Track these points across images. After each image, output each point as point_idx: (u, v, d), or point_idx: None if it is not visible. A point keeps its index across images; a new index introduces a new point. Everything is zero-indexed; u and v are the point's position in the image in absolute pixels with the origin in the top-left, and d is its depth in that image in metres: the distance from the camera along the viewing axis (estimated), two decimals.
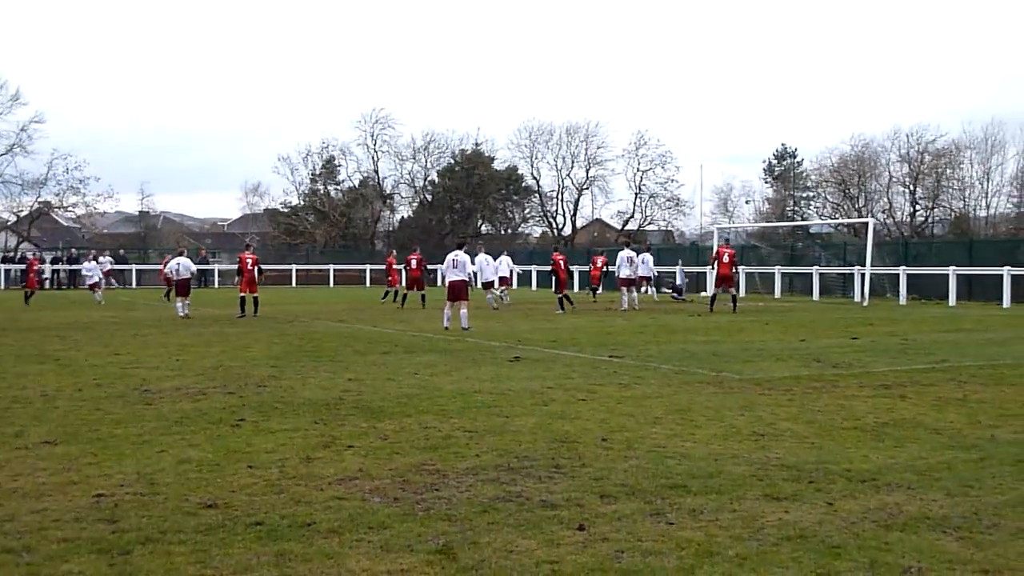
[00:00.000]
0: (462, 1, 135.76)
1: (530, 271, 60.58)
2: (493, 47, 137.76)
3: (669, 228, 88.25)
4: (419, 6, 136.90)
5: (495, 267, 38.79)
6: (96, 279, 43.24)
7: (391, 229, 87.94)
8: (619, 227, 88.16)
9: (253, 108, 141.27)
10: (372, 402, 12.62)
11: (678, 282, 46.22)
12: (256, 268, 31.61)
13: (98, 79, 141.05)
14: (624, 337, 22.72)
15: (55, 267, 65.35)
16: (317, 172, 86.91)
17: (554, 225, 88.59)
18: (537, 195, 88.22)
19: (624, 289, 35.93)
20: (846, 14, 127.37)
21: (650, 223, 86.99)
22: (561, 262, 35.10)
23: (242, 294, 31.19)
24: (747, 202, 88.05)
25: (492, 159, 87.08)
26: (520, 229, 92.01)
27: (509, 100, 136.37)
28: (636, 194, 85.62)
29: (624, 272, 36.17)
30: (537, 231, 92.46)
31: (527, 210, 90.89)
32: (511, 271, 44.76)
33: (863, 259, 41.65)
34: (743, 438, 10.21)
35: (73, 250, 68.85)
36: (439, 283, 27.66)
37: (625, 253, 37.00)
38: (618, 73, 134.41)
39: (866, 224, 45.53)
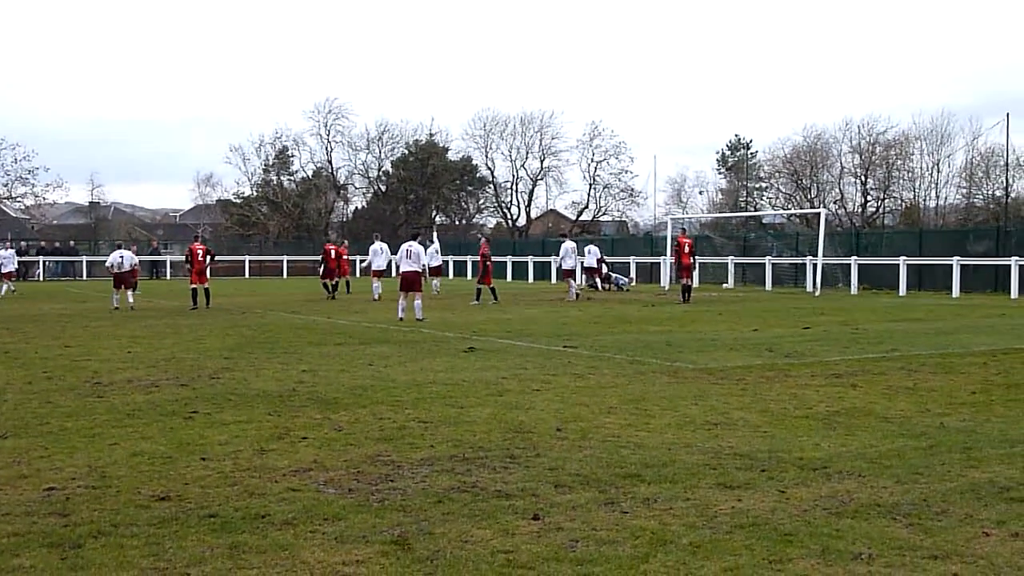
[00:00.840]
0: None
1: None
2: (447, 37, 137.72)
3: (623, 219, 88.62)
4: None
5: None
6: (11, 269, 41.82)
7: (345, 220, 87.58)
8: (573, 218, 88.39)
9: (205, 98, 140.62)
10: (326, 393, 12.58)
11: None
12: (209, 258, 31.47)
13: (48, 68, 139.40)
14: (578, 327, 22.78)
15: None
16: (270, 163, 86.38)
17: (508, 216, 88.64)
18: (491, 186, 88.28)
19: (570, 280, 36.47)
20: (799, 6, 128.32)
21: (604, 214, 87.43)
22: (487, 251, 34.81)
23: (193, 285, 31.00)
24: (700, 193, 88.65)
25: (446, 149, 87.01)
26: (475, 220, 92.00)
27: (463, 90, 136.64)
28: (590, 185, 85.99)
29: (568, 263, 36.70)
30: (492, 222, 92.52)
31: (482, 201, 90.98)
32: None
33: (815, 249, 41.97)
34: (697, 427, 10.27)
35: (22, 243, 68.04)
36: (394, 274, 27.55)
37: (568, 244, 37.44)
38: (573, 63, 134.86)
39: (818, 215, 45.85)
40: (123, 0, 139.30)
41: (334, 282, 37.54)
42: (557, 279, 37.63)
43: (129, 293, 31.60)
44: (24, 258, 63.43)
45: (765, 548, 6.25)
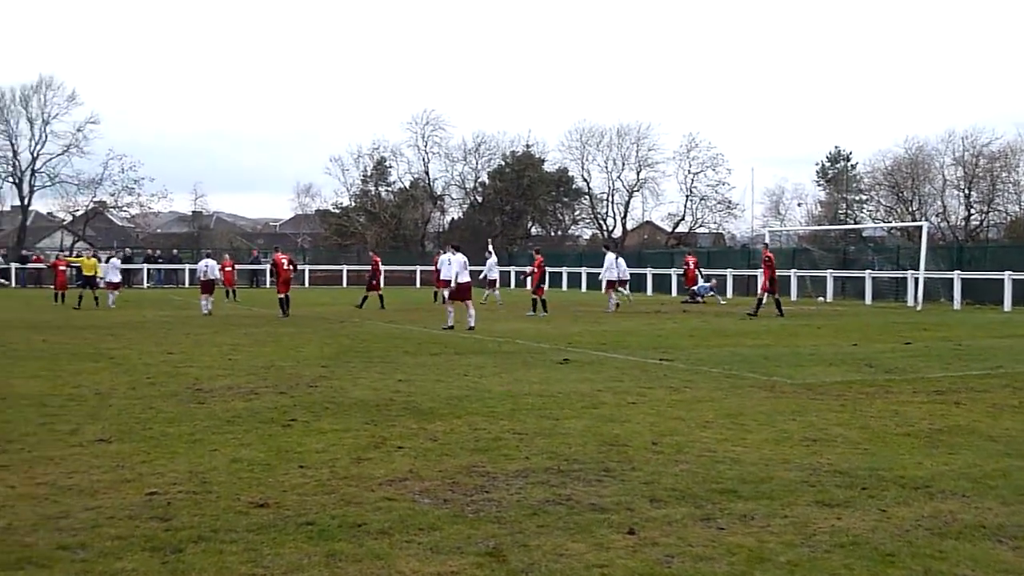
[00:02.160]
0: (514, 3, 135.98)
1: (579, 273, 60.34)
2: (544, 49, 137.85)
3: (720, 231, 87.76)
4: (471, 8, 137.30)
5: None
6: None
7: (441, 230, 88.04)
8: (669, 229, 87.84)
9: (305, 109, 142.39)
10: (422, 403, 12.66)
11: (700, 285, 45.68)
12: (292, 267, 32.25)
13: (153, 80, 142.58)
14: (674, 340, 22.63)
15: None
16: (368, 173, 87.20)
17: (604, 227, 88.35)
18: (587, 197, 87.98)
19: (612, 292, 36.57)
20: (900, 15, 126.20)
21: (701, 225, 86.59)
22: (540, 262, 34.77)
23: (281, 294, 31.77)
24: (799, 205, 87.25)
25: (542, 161, 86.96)
26: (570, 231, 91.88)
27: (560, 102, 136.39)
28: (687, 196, 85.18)
29: (611, 275, 36.92)
30: (587, 233, 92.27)
31: (577, 212, 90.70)
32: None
33: (917, 263, 41.20)
34: (794, 443, 10.13)
35: (127, 250, 69.63)
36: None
37: (610, 256, 37.57)
38: (669, 75, 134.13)
39: (920, 228, 44.99)
40: (230, 15, 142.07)
41: (379, 294, 37.52)
42: (603, 290, 37.82)
43: (208, 299, 33.14)
44: (129, 266, 65.01)
45: (865, 568, 6.14)
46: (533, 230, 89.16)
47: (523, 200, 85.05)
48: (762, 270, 33.23)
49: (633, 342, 21.97)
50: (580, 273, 60.14)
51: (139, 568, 6.10)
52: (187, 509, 7.41)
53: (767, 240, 43.97)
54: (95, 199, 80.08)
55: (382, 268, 40.52)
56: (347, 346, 20.69)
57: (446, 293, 38.72)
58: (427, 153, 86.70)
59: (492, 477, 8.50)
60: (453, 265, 26.76)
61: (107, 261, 43.11)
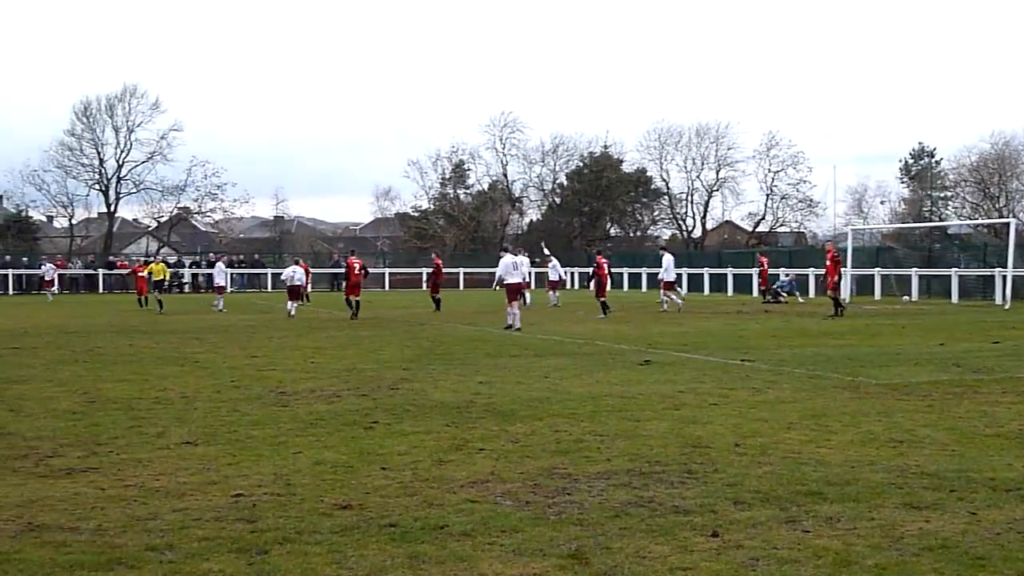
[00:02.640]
0: (591, 4, 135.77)
1: (658, 274, 59.92)
2: (622, 48, 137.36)
3: (801, 230, 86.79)
4: (548, 9, 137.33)
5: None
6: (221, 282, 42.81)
7: (520, 232, 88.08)
8: (750, 229, 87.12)
9: (383, 113, 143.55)
10: (503, 405, 12.68)
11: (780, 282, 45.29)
12: (364, 272, 32.62)
13: (234, 86, 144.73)
14: (756, 340, 22.42)
15: (192, 271, 67.11)
16: (446, 176, 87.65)
17: (683, 227, 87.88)
18: (666, 197, 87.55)
19: (669, 291, 36.71)
20: (984, 9, 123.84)
21: (781, 225, 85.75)
22: (605, 265, 34.64)
23: (353, 298, 32.18)
24: (882, 202, 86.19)
25: (621, 161, 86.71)
26: (649, 232, 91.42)
27: (637, 102, 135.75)
28: (767, 195, 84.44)
29: (669, 276, 37.14)
30: (666, 233, 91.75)
31: (656, 212, 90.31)
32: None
33: (1004, 260, 40.36)
34: (881, 444, 9.97)
35: (211, 255, 70.65)
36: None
37: (668, 256, 37.62)
38: (748, 72, 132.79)
39: (1007, 224, 44.08)
40: (307, 20, 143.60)
41: (438, 297, 37.17)
42: (663, 290, 37.90)
43: (293, 304, 33.96)
44: (211, 270, 65.89)
45: (955, 572, 6.03)
46: (612, 231, 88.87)
47: (601, 201, 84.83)
48: (827, 268, 32.59)
49: (714, 343, 21.80)
50: (659, 274, 59.70)
51: (226, 569, 6.18)
52: (272, 511, 7.49)
53: (851, 236, 43.39)
54: (179, 205, 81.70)
55: (443, 271, 40.58)
56: (427, 348, 20.80)
57: (528, 296, 39.11)
58: (505, 155, 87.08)
59: (574, 479, 8.49)
60: (502, 266, 27.43)
61: (212, 266, 43.99)
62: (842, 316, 30.74)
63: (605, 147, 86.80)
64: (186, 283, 65.11)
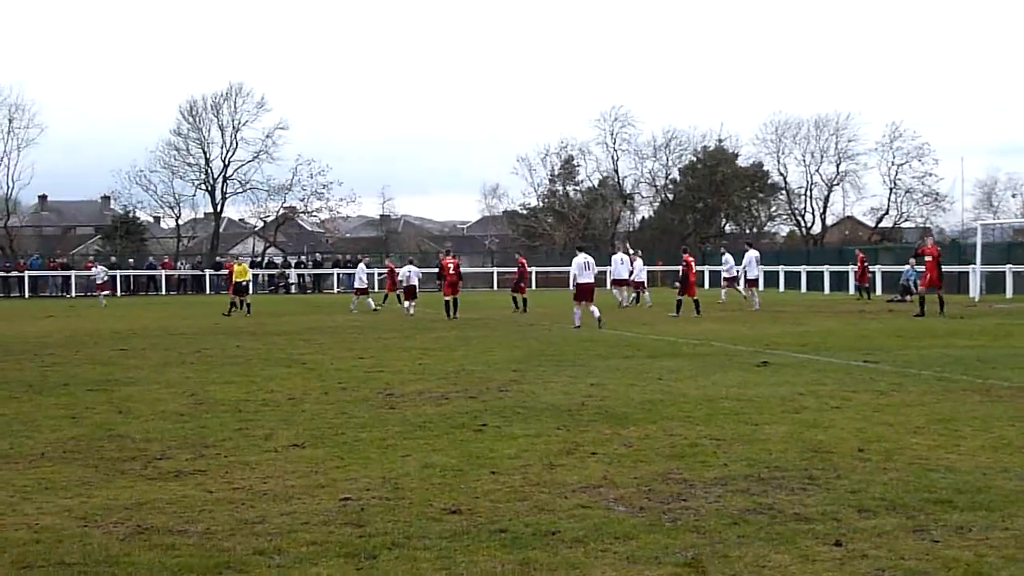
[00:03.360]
0: None
1: (777, 271, 59.01)
2: (736, 39, 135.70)
3: (927, 225, 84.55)
4: (658, 2, 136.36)
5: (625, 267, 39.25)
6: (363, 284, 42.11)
7: (631, 229, 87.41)
8: (872, 225, 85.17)
9: (491, 109, 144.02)
10: (615, 408, 12.46)
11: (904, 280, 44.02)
12: (457, 272, 33.06)
13: (339, 85, 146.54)
14: (880, 341, 21.81)
15: (300, 271, 67.96)
16: (556, 172, 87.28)
17: (802, 223, 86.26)
18: (784, 192, 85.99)
19: (753, 290, 37.04)
20: None
21: (906, 220, 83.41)
22: (692, 263, 33.87)
23: (447, 297, 32.29)
24: (1013, 196, 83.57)
25: (736, 155, 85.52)
26: (766, 228, 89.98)
27: (753, 93, 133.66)
28: (891, 189, 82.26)
29: (752, 273, 37.48)
30: (784, 230, 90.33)
31: (773, 208, 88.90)
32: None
33: None
34: (1014, 450, 9.56)
35: (317, 255, 71.41)
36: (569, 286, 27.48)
37: (752, 253, 37.64)
38: (869, 60, 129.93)
39: None
40: (413, 18, 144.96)
41: (523, 297, 36.46)
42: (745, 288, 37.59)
43: (411, 304, 34.51)
44: (319, 271, 66.90)
45: None
46: (727, 228, 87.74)
47: (716, 197, 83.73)
48: (925, 265, 31.20)
49: (835, 343, 21.26)
50: (777, 272, 58.74)
51: (334, 574, 6.15)
52: (380, 515, 7.42)
53: (980, 231, 42.18)
54: (285, 204, 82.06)
55: (528, 270, 40.41)
56: (537, 349, 20.64)
57: (630, 294, 38.85)
58: (616, 150, 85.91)
59: (689, 484, 8.27)
60: (575, 265, 27.44)
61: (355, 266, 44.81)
62: (943, 314, 29.54)
63: (720, 140, 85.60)
64: (292, 283, 65.95)
